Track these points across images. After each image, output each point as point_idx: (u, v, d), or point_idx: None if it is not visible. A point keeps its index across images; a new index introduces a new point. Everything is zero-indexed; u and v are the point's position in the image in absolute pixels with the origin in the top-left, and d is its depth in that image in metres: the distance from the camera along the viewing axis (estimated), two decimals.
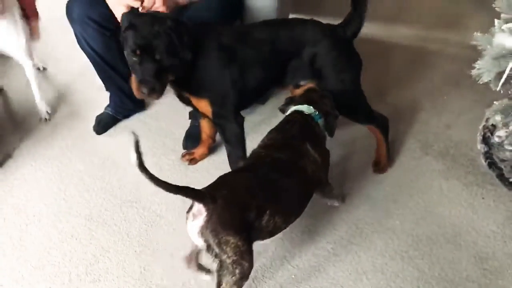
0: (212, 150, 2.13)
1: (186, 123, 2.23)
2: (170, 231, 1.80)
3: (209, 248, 1.29)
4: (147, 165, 2.09)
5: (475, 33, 1.70)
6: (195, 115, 2.18)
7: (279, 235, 1.74)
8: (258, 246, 1.72)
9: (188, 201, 1.87)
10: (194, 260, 1.51)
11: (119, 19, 1.79)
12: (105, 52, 2.04)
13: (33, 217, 1.86)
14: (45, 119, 2.30)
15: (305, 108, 1.65)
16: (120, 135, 2.24)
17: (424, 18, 3.15)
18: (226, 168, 2.04)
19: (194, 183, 1.96)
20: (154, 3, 1.74)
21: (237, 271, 1.30)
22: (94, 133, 2.24)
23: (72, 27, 1.99)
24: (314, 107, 1.65)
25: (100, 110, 2.31)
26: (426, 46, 2.84)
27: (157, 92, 1.61)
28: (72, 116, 2.35)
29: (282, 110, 1.74)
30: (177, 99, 2.37)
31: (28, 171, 2.05)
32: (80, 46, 2.05)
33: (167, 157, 2.12)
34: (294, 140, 1.57)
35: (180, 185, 1.26)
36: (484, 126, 1.95)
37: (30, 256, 1.72)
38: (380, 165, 2.03)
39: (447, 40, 2.86)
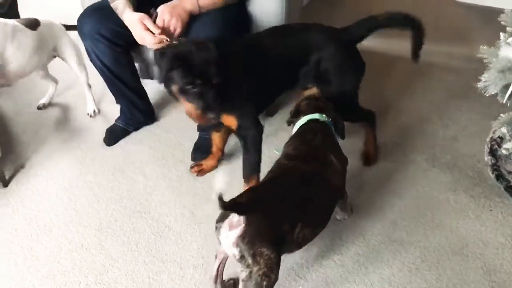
0: (220, 162, 2.15)
1: (195, 135, 2.25)
2: (178, 242, 1.81)
3: (242, 258, 1.30)
4: (157, 175, 2.13)
5: (481, 46, 1.72)
6: (203, 127, 2.22)
7: None
8: None
9: (198, 213, 1.90)
10: (219, 277, 1.54)
11: (136, 38, 1.86)
12: (115, 66, 2.09)
13: (44, 227, 1.88)
14: (90, 115, 2.49)
15: (318, 116, 1.67)
16: (130, 147, 2.27)
17: (429, 31, 3.18)
18: (235, 181, 2.06)
19: (201, 194, 2.00)
20: (169, 22, 1.80)
21: (264, 283, 1.31)
22: (104, 145, 2.28)
23: (83, 42, 2.03)
24: (325, 115, 1.68)
25: (111, 122, 2.35)
26: (432, 60, 2.86)
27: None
28: (82, 128, 2.39)
29: (290, 123, 1.76)
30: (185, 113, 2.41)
31: (39, 182, 2.09)
32: (91, 61, 2.09)
33: (176, 168, 2.14)
34: (318, 151, 1.59)
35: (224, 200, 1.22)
36: (491, 138, 1.96)
37: (41, 265, 1.74)
38: (369, 157, 2.09)
39: (452, 53, 2.89)
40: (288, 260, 1.73)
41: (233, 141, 2.21)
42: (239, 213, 1.29)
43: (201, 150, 2.18)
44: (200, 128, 2.24)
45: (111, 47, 2.01)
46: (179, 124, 2.39)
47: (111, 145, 2.28)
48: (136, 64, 2.22)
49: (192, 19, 1.90)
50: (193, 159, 2.17)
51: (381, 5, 3.41)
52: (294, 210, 1.40)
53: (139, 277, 1.69)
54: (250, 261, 1.28)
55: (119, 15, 1.91)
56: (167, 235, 1.84)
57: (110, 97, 2.31)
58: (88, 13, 2.01)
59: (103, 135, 2.30)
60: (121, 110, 2.32)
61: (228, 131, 2.01)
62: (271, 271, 1.31)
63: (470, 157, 2.15)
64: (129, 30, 1.99)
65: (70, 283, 1.68)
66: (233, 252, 1.31)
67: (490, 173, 1.97)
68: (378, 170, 2.09)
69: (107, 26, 1.98)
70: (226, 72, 1.61)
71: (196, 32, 1.87)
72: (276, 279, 1.34)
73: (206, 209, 1.94)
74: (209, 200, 1.98)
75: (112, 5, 1.94)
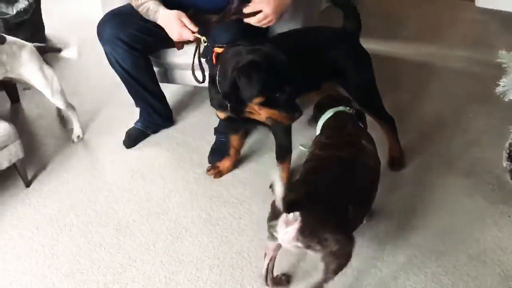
0: (236, 164, 2.17)
1: (212, 138, 2.28)
2: (195, 243, 1.84)
3: (309, 247, 1.38)
4: (174, 178, 2.16)
5: (500, 51, 1.71)
6: (220, 131, 2.24)
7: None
8: (283, 263, 1.75)
9: (215, 215, 1.93)
10: (270, 274, 1.62)
11: (172, 34, 1.92)
12: (134, 70, 2.13)
13: (64, 226, 1.93)
14: (73, 141, 2.37)
15: (343, 109, 1.74)
16: (149, 149, 2.31)
17: (448, 36, 3.17)
18: (251, 183, 2.08)
19: (218, 197, 2.02)
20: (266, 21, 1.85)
21: (341, 259, 1.42)
22: (124, 147, 2.32)
23: (103, 47, 2.08)
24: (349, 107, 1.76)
25: (130, 125, 2.39)
26: (450, 64, 2.84)
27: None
28: (103, 130, 2.44)
29: (314, 118, 1.79)
30: (203, 115, 2.44)
31: (60, 183, 2.13)
32: (111, 65, 2.14)
33: (193, 170, 2.17)
34: (351, 138, 1.65)
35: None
36: (510, 143, 1.94)
37: (61, 264, 1.78)
38: (396, 162, 2.11)
39: (471, 58, 2.87)
40: (302, 263, 1.74)
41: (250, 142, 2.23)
42: (299, 210, 1.34)
43: (218, 153, 2.20)
44: (216, 132, 2.27)
45: (130, 51, 2.05)
46: (196, 127, 2.42)
47: (130, 147, 2.32)
48: (155, 69, 2.25)
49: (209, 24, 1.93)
50: (210, 161, 2.20)
51: (398, 7, 3.41)
52: (342, 195, 1.47)
53: (156, 277, 1.72)
54: (318, 247, 1.37)
55: (151, 15, 1.96)
56: (184, 236, 1.87)
57: (129, 101, 2.35)
58: (107, 19, 2.06)
59: (123, 137, 2.34)
60: (140, 113, 2.36)
61: (246, 134, 2.04)
62: (343, 248, 1.40)
63: (488, 162, 2.14)
64: (147, 34, 2.04)
65: (88, 281, 1.71)
66: (296, 245, 1.38)
67: (509, 179, 1.95)
68: (395, 175, 2.08)
69: (125, 31, 2.02)
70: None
71: (214, 36, 1.89)
72: (351, 252, 1.44)
73: (222, 211, 1.96)
74: (225, 203, 2.00)
75: (140, 8, 1.98)
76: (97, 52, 2.12)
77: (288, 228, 1.36)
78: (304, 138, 2.13)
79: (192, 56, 1.99)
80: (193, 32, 1.87)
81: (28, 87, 2.73)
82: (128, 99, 2.33)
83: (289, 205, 1.31)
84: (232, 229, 1.88)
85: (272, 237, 1.44)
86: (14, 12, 2.82)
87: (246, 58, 1.57)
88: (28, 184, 2.10)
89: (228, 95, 1.63)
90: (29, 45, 2.15)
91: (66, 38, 3.16)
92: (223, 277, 1.71)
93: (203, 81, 2.05)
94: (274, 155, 2.19)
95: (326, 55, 1.90)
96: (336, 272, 1.45)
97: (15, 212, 1.99)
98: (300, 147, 2.13)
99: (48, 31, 3.21)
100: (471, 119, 2.41)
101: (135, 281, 1.71)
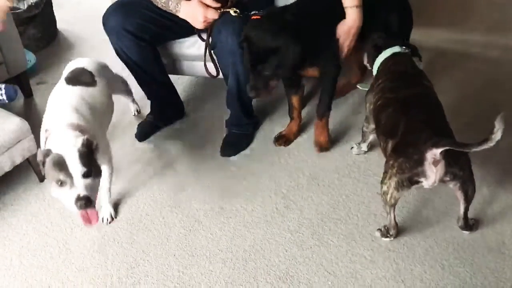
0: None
1: (224, 130, 2.26)
2: (208, 236, 1.83)
3: (455, 177, 1.53)
4: (186, 170, 2.14)
5: None
6: (232, 123, 2.22)
7: (315, 242, 1.75)
8: (297, 255, 1.73)
9: (227, 207, 1.91)
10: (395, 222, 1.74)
11: (197, 24, 1.94)
12: (142, 61, 2.11)
13: (77, 221, 1.92)
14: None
15: (399, 49, 1.81)
16: (161, 142, 2.30)
17: (465, 20, 3.08)
18: (263, 175, 2.06)
19: (231, 189, 2.01)
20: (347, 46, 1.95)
21: (473, 178, 1.59)
22: (136, 140, 2.31)
23: (109, 37, 2.07)
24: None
25: (142, 118, 2.38)
26: (467, 50, 2.77)
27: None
28: (115, 124, 2.42)
29: (373, 58, 1.86)
30: (215, 107, 2.43)
31: None
32: (118, 56, 2.12)
33: (206, 163, 2.16)
34: (415, 78, 1.76)
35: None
36: None
37: (75, 258, 1.79)
38: None
39: (489, 43, 2.79)
40: (317, 256, 1.72)
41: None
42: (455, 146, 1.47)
43: (229, 146, 2.19)
44: (227, 124, 2.25)
45: (136, 41, 2.03)
46: (208, 119, 2.40)
47: (142, 140, 2.31)
48: (164, 60, 2.23)
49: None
50: (222, 154, 2.18)
51: None
52: (441, 125, 1.61)
53: (169, 271, 1.72)
54: (460, 173, 1.53)
55: (171, 6, 1.96)
56: (197, 229, 1.86)
57: (142, 94, 2.34)
58: (113, 9, 2.04)
59: (135, 131, 2.33)
60: (152, 106, 2.35)
61: (303, 92, 2.19)
62: (471, 170, 1.59)
63: (507, 150, 2.08)
64: (154, 24, 2.03)
65: (102, 276, 1.72)
66: (446, 179, 1.52)
67: None
68: None
69: (131, 21, 2.00)
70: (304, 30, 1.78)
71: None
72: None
73: (235, 204, 1.95)
74: (238, 195, 1.98)
75: None
76: (109, 45, 2.10)
77: (439, 165, 1.47)
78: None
79: (204, 48, 1.98)
80: (217, 9, 1.88)
81: (42, 81, 2.74)
82: (140, 92, 2.32)
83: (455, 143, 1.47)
84: (245, 222, 1.87)
85: (410, 184, 1.54)
86: (26, 7, 2.82)
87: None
88: (42, 179, 2.11)
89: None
90: None
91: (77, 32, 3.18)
92: (236, 271, 1.70)
93: (217, 75, 2.03)
94: (285, 148, 2.18)
95: (378, 11, 1.97)
96: (472, 196, 1.63)
97: (30, 207, 2.00)
98: (359, 86, 2.15)
99: (60, 25, 3.22)
100: (489, 106, 2.34)
101: (148, 275, 1.71)
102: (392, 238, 1.74)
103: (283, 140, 2.20)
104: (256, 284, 1.65)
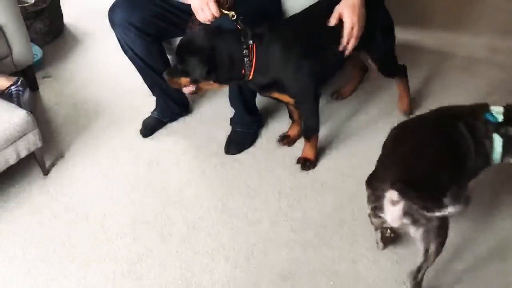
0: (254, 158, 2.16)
1: (229, 128, 2.26)
2: (211, 233, 1.83)
3: (415, 222, 1.42)
4: (191, 167, 2.15)
5: None
6: (236, 121, 2.22)
7: (318, 241, 1.75)
8: (300, 255, 1.74)
9: (231, 205, 1.92)
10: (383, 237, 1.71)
11: (200, 14, 1.88)
12: (147, 56, 2.11)
13: (81, 215, 1.94)
14: None
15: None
16: (166, 138, 2.30)
17: (471, 24, 3.08)
18: (267, 174, 2.06)
19: (235, 187, 2.01)
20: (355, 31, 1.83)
21: (442, 232, 1.45)
22: (141, 136, 2.32)
23: (114, 32, 2.07)
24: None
25: (147, 114, 2.38)
26: (474, 53, 2.76)
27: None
28: (120, 119, 2.43)
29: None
30: (220, 104, 2.43)
31: (78, 171, 2.15)
32: (123, 51, 2.12)
33: (210, 160, 2.16)
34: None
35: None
36: None
37: (78, 253, 1.80)
38: (407, 110, 2.29)
39: (496, 47, 2.78)
40: (319, 256, 1.72)
41: None
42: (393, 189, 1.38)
43: (234, 143, 2.19)
44: (232, 122, 2.25)
45: (141, 36, 2.03)
46: (213, 116, 2.40)
47: (147, 136, 2.32)
48: (168, 56, 2.23)
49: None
50: (226, 152, 2.18)
51: None
52: (432, 166, 1.48)
53: (171, 267, 1.72)
54: (423, 221, 1.40)
55: None
56: (200, 226, 1.86)
57: (146, 90, 2.34)
58: (118, 3, 2.04)
59: (140, 126, 2.34)
60: (157, 102, 2.35)
61: None
62: (444, 222, 1.44)
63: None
64: (159, 19, 2.03)
65: (105, 270, 1.73)
66: (403, 221, 1.43)
67: None
68: None
69: (137, 15, 2.00)
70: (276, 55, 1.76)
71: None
72: (448, 228, 1.46)
73: (238, 202, 1.95)
74: (241, 193, 1.99)
75: None
76: (115, 40, 2.11)
77: (396, 207, 1.41)
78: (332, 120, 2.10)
79: None
80: (220, 10, 1.86)
81: (48, 75, 2.75)
82: (145, 88, 2.32)
83: (409, 191, 1.36)
84: (248, 220, 1.87)
85: (376, 216, 1.50)
86: (33, 1, 2.82)
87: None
88: (46, 172, 2.12)
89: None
90: None
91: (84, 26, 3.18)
92: (238, 269, 1.70)
93: None
94: (289, 147, 2.18)
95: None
96: (438, 252, 1.48)
97: (34, 200, 2.01)
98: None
99: (66, 19, 3.22)
100: None
101: (151, 271, 1.71)
102: (380, 249, 1.73)
103: (287, 140, 2.21)
104: (258, 282, 1.66)
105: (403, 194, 1.36)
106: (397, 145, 1.57)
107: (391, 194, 1.39)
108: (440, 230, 1.44)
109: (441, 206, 1.30)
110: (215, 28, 1.82)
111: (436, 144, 1.52)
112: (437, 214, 1.32)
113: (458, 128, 1.54)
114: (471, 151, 1.53)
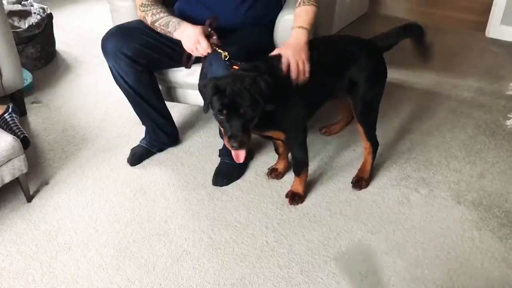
0: (240, 189, 2.15)
1: (217, 159, 2.26)
2: (195, 267, 1.80)
3: None
4: (177, 198, 2.12)
5: (510, 83, 1.69)
6: (224, 152, 2.22)
7: (303, 278, 1.73)
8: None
9: (217, 238, 1.89)
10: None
11: (188, 47, 1.94)
12: (138, 86, 2.12)
13: (63, 244, 1.90)
14: None
15: None
16: (153, 168, 2.29)
17: (459, 66, 3.15)
18: (255, 207, 2.05)
19: (221, 219, 1.99)
20: (298, 68, 1.84)
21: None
22: (128, 165, 2.30)
23: (106, 60, 2.08)
24: None
25: (135, 143, 2.37)
26: (460, 94, 2.82)
27: (246, 143, 1.72)
28: (107, 148, 2.42)
29: None
30: (209, 136, 2.43)
31: (62, 199, 2.11)
32: (115, 80, 2.13)
33: (197, 192, 2.14)
34: None
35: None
36: None
37: (58, 283, 1.75)
38: (362, 183, 2.15)
39: (481, 89, 2.84)
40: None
41: None
42: None
43: (222, 175, 2.18)
44: (221, 154, 2.25)
45: (133, 66, 2.05)
46: (202, 148, 2.40)
47: (134, 165, 2.30)
48: (160, 87, 2.24)
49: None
50: (214, 184, 2.17)
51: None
52: None
53: None
54: None
55: (170, 27, 1.97)
56: (185, 259, 1.83)
57: (135, 119, 2.34)
58: (111, 33, 2.06)
59: (127, 155, 2.32)
60: (146, 131, 2.35)
61: None
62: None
63: (497, 195, 2.10)
64: (152, 50, 2.06)
65: None
66: None
67: None
68: (402, 205, 2.05)
69: (129, 45, 2.02)
70: (271, 94, 1.71)
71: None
72: None
73: (224, 235, 1.93)
74: (228, 226, 1.97)
75: (158, 22, 2.00)
76: (106, 69, 2.12)
77: None
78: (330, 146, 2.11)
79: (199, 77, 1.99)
80: (212, 46, 1.90)
81: (37, 100, 2.73)
82: (134, 117, 2.32)
83: None
84: (234, 254, 1.85)
85: None
86: (26, 26, 2.84)
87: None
88: (29, 199, 2.08)
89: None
90: None
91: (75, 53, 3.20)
92: None
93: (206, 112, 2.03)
94: (278, 181, 2.19)
95: (345, 68, 1.96)
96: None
97: (15, 228, 1.96)
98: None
99: (59, 46, 3.23)
100: (480, 150, 2.37)
101: None
102: None
103: (275, 173, 2.21)
104: None
105: None
106: None
107: None
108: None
109: None
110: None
111: None
112: None
113: None
114: None
